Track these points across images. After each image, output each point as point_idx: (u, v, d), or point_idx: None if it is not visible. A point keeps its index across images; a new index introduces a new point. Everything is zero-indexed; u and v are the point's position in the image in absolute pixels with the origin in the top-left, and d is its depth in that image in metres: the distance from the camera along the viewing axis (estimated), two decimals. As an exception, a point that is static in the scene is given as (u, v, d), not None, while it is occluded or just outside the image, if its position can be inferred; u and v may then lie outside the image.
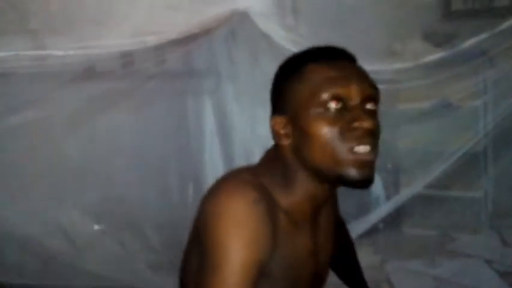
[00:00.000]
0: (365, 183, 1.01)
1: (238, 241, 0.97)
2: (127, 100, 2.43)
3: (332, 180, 1.04)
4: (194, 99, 2.78)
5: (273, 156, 1.12)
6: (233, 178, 1.08)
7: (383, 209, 2.81)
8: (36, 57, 1.77)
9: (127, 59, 2.18)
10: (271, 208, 1.02)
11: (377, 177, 3.04)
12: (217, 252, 0.97)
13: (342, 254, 1.44)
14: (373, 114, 1.03)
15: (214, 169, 2.60)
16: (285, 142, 1.07)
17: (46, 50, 1.76)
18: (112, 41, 1.90)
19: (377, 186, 3.00)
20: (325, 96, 1.00)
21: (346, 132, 1.00)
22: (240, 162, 2.60)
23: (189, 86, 2.74)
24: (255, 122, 2.67)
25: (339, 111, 1.01)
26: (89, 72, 2.16)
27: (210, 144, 2.72)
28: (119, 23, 1.90)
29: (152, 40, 1.93)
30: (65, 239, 2.36)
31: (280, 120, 1.07)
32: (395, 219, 2.96)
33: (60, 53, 1.77)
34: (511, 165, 2.86)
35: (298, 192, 1.07)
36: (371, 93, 1.03)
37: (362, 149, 1.00)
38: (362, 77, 1.04)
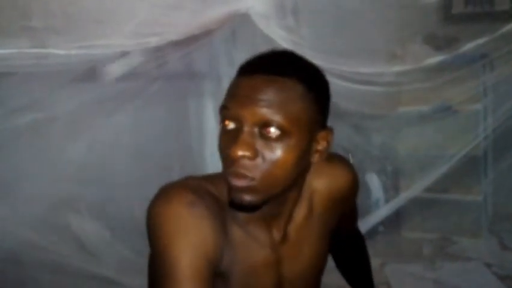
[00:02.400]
0: (241, 208, 0.97)
1: (182, 245, 0.95)
2: (129, 102, 2.43)
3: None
4: (195, 100, 2.78)
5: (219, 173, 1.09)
6: (175, 183, 1.07)
7: (382, 212, 2.81)
8: (37, 56, 1.77)
9: (129, 59, 2.18)
10: (213, 211, 1.00)
11: (376, 180, 3.05)
12: (164, 260, 0.96)
13: (353, 264, 1.44)
14: (267, 139, 0.94)
15: (214, 170, 2.59)
16: None
17: (47, 49, 1.75)
18: (113, 41, 1.89)
19: (377, 189, 3.00)
20: (222, 114, 0.98)
21: (224, 158, 0.99)
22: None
23: (190, 87, 2.74)
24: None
25: (233, 132, 0.96)
26: (90, 72, 2.16)
27: (211, 145, 2.72)
28: (121, 22, 1.90)
29: (154, 41, 1.93)
30: (72, 242, 2.35)
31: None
32: (394, 222, 2.96)
33: (61, 52, 1.77)
34: (511, 169, 2.86)
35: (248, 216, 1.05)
36: (268, 118, 0.93)
37: (230, 177, 0.97)
38: (265, 99, 0.93)
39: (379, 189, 3.01)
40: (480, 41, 2.43)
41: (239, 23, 2.40)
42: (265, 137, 0.94)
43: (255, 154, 0.94)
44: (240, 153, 0.93)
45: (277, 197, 1.01)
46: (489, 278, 2.50)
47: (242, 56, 2.76)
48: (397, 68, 2.57)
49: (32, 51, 1.76)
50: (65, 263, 2.28)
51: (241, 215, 1.04)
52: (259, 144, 0.95)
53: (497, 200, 2.97)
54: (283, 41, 2.27)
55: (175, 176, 2.72)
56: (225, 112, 0.97)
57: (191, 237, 0.96)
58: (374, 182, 3.02)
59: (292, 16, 2.40)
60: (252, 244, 1.06)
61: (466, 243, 2.90)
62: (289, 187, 1.02)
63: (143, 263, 2.36)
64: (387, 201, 2.95)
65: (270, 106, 0.93)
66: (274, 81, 0.95)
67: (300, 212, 1.12)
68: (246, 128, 0.94)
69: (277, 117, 0.93)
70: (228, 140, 0.96)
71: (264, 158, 0.95)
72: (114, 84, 2.30)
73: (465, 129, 2.80)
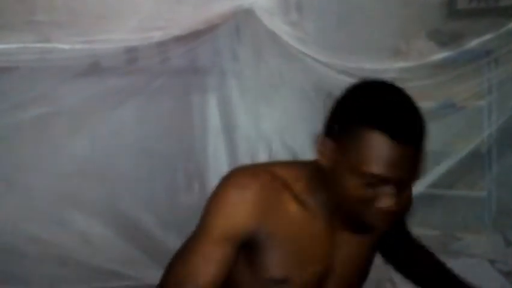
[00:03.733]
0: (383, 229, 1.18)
1: (218, 215, 1.12)
2: (132, 97, 2.43)
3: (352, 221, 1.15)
4: (198, 96, 2.77)
5: (310, 162, 1.18)
6: (243, 167, 1.23)
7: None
8: (41, 51, 1.77)
9: (132, 55, 2.18)
10: (264, 194, 1.13)
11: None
12: (200, 223, 1.14)
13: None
14: (406, 193, 1.10)
15: (218, 166, 2.60)
16: (323, 163, 1.10)
17: (51, 43, 1.76)
18: (117, 35, 1.90)
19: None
20: (367, 169, 1.02)
21: (368, 207, 1.07)
22: (244, 158, 2.60)
23: (193, 83, 2.73)
24: (259, 119, 2.67)
25: (373, 184, 1.04)
26: (94, 67, 2.16)
27: (215, 140, 2.72)
28: (124, 17, 1.90)
29: (158, 35, 1.93)
30: (75, 236, 2.36)
31: (328, 145, 1.08)
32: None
33: (65, 46, 1.77)
34: (514, 166, 2.86)
35: (313, 201, 1.16)
36: (408, 183, 1.09)
37: (377, 222, 1.11)
38: (412, 165, 1.05)
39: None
40: (485, 37, 2.42)
41: (243, 18, 2.39)
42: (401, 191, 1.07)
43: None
44: (395, 208, 1.06)
45: None
46: (493, 275, 2.50)
47: (245, 51, 2.78)
48: (401, 64, 2.56)
49: (36, 45, 1.77)
50: (68, 257, 2.28)
51: (303, 198, 1.16)
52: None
53: (501, 196, 2.96)
54: (287, 36, 2.27)
55: (178, 171, 2.72)
56: (375, 170, 1.03)
57: (228, 210, 1.12)
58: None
59: (296, 11, 2.40)
60: (306, 222, 1.16)
61: (470, 239, 2.89)
62: None
63: (146, 257, 2.38)
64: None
65: (412, 173, 1.06)
66: (419, 153, 1.06)
67: None
68: (391, 187, 1.05)
69: (413, 181, 1.09)
70: (374, 193, 1.05)
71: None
72: (117, 80, 2.30)
73: (469, 125, 2.79)
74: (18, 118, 2.15)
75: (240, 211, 1.12)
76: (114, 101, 2.36)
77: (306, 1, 2.45)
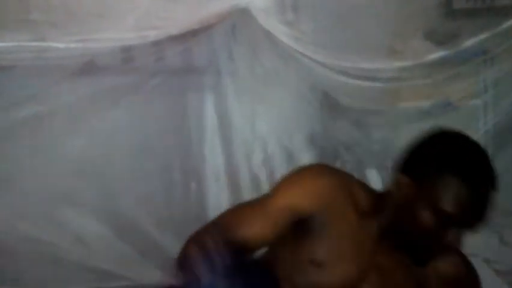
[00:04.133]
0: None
1: (285, 190, 1.28)
2: (128, 96, 2.42)
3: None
4: (194, 95, 2.77)
5: (382, 191, 1.36)
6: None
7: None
8: (36, 49, 1.77)
9: (127, 54, 2.18)
10: (336, 184, 1.27)
11: (376, 175, 3.04)
12: (272, 189, 1.31)
13: None
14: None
15: (214, 165, 2.59)
16: (396, 194, 1.26)
17: (47, 42, 1.75)
18: (113, 34, 1.89)
19: (377, 185, 3.00)
20: (442, 207, 1.18)
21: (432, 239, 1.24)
22: (240, 158, 2.60)
23: (189, 82, 2.73)
24: (255, 119, 2.66)
25: (445, 223, 1.21)
26: (89, 67, 2.15)
27: (211, 140, 2.72)
28: (120, 16, 1.90)
29: (153, 34, 1.93)
30: (70, 236, 2.34)
31: (408, 182, 1.24)
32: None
33: (61, 45, 1.77)
34: (510, 165, 2.85)
35: (372, 217, 1.29)
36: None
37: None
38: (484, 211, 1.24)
39: (379, 184, 3.01)
40: (481, 36, 2.42)
41: (239, 18, 2.39)
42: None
43: None
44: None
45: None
46: (488, 273, 2.50)
47: (241, 51, 2.77)
48: (398, 64, 2.56)
49: (31, 44, 1.76)
50: (62, 257, 2.27)
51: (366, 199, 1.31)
52: None
53: (496, 196, 2.96)
54: (283, 36, 2.27)
55: (175, 170, 2.71)
56: (449, 211, 1.20)
57: (299, 186, 1.28)
58: (373, 178, 3.02)
59: (292, 11, 2.39)
60: (359, 228, 1.28)
61: (465, 238, 2.89)
62: None
63: (142, 257, 2.37)
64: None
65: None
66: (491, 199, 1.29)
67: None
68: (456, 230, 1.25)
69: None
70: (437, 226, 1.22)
71: None
72: (113, 79, 2.30)
73: (465, 125, 2.78)
74: (13, 117, 2.15)
75: (309, 191, 1.26)
76: (110, 100, 2.35)
77: (303, 1, 2.44)
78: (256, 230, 1.23)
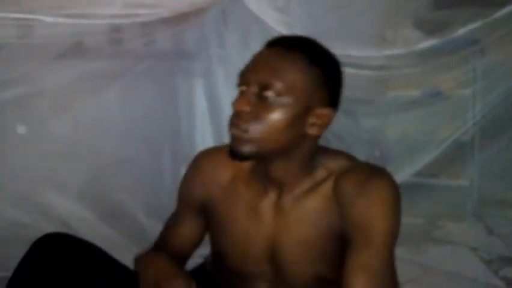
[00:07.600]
0: (233, 155, 1.13)
1: (181, 186, 1.37)
2: (117, 80, 2.40)
3: None
4: (184, 80, 2.75)
5: None
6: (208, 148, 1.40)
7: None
8: (24, 24, 1.73)
9: (116, 34, 2.15)
10: (215, 167, 1.28)
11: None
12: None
13: None
14: (265, 100, 1.09)
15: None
16: None
17: (34, 14, 1.71)
18: (102, 11, 1.86)
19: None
20: (238, 78, 1.15)
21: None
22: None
23: (179, 67, 2.71)
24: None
25: (241, 93, 1.14)
26: (78, 49, 2.12)
27: (201, 126, 2.71)
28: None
29: (144, 14, 1.90)
30: (55, 220, 2.32)
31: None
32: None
33: (48, 19, 1.73)
34: (498, 155, 2.87)
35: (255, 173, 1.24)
36: (267, 81, 1.09)
37: (229, 126, 1.14)
38: (267, 65, 1.11)
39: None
40: (471, 26, 2.42)
41: (230, 4, 2.37)
42: (263, 98, 1.09)
43: (251, 110, 1.10)
44: (238, 108, 1.11)
45: (270, 158, 1.15)
46: (474, 262, 2.52)
47: (232, 36, 2.75)
48: (388, 52, 2.56)
49: (18, 16, 1.73)
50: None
51: (245, 171, 1.25)
52: (258, 104, 1.10)
53: (483, 186, 2.98)
54: (274, 22, 2.25)
55: (165, 155, 2.68)
56: (239, 77, 1.15)
57: (186, 184, 1.36)
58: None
59: (283, -4, 2.38)
60: (251, 201, 1.22)
61: (452, 227, 2.92)
62: (282, 150, 1.14)
63: (129, 242, 2.36)
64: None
65: (270, 71, 1.09)
66: (279, 52, 1.12)
67: (302, 187, 1.19)
68: (249, 89, 1.11)
69: (275, 81, 1.08)
70: (236, 99, 1.13)
71: (259, 116, 1.09)
72: (101, 62, 2.27)
73: (454, 114, 2.80)
74: (1, 99, 2.12)
75: (190, 183, 1.33)
76: (99, 83, 2.33)
77: (294, -14, 2.43)
78: (184, 236, 1.34)
